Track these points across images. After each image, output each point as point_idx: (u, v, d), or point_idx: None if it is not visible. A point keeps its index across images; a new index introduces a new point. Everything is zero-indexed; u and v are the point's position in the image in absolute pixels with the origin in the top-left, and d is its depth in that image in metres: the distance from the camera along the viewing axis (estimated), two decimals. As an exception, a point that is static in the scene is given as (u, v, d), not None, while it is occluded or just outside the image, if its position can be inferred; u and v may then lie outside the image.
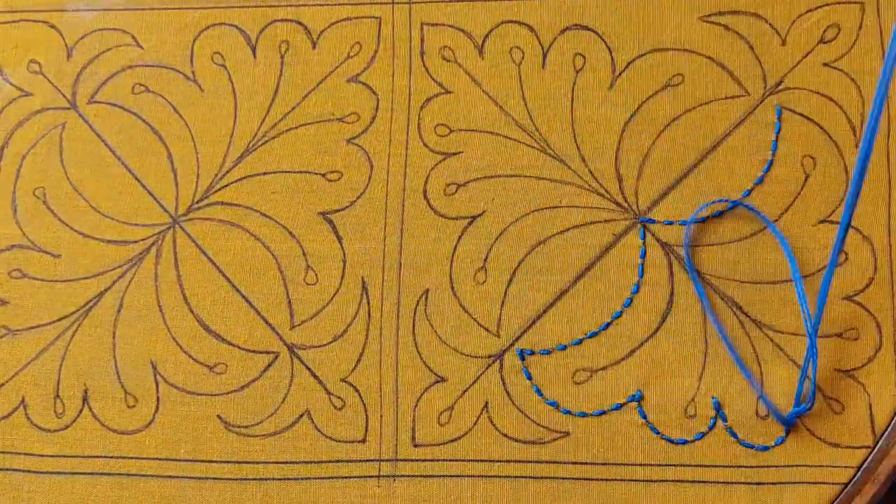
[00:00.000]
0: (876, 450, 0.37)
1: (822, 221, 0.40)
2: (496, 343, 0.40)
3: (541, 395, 0.40)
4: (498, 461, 0.39)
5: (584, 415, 0.39)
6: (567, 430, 0.39)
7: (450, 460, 0.39)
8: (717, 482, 0.38)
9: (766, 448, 0.38)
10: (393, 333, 0.41)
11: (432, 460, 0.39)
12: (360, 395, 0.40)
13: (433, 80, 0.43)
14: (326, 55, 0.44)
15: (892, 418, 0.38)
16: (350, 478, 0.39)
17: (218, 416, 0.40)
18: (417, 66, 0.43)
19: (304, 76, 0.43)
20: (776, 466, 0.38)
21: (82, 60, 0.44)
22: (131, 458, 0.40)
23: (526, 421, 0.39)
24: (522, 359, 0.40)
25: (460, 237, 0.41)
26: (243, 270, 0.42)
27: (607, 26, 0.43)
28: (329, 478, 0.39)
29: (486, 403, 0.40)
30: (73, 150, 0.44)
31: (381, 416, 0.40)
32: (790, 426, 0.38)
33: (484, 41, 0.43)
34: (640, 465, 0.38)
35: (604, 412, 0.39)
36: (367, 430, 0.40)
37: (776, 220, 0.40)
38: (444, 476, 0.39)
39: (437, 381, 0.40)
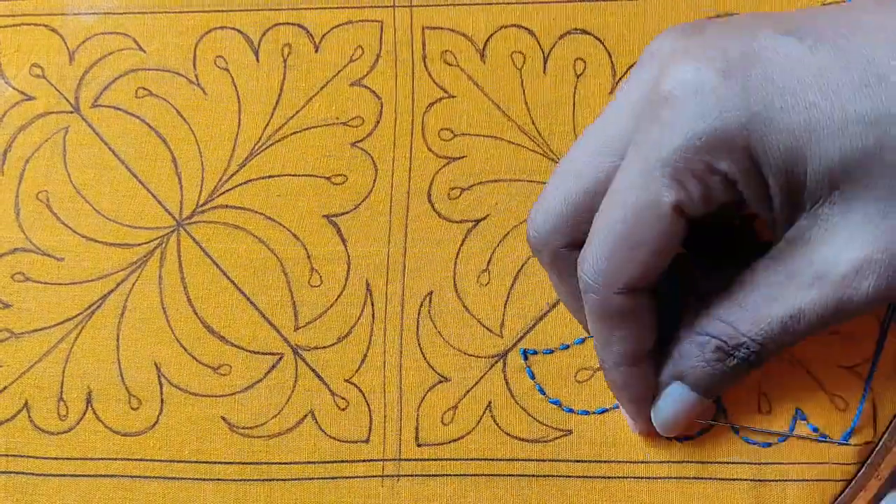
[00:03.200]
0: (879, 446, 0.38)
1: None
2: (499, 343, 0.41)
3: (543, 393, 0.40)
4: (501, 460, 0.39)
5: (586, 413, 0.40)
6: (570, 428, 0.40)
7: (453, 459, 0.40)
8: (720, 479, 0.38)
9: (768, 445, 0.39)
10: (397, 334, 0.41)
11: (436, 459, 0.40)
12: (364, 395, 0.40)
13: (436, 83, 0.43)
14: (329, 59, 0.44)
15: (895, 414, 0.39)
16: (354, 477, 0.40)
17: (222, 417, 0.40)
18: (420, 69, 0.43)
19: (307, 79, 0.44)
20: (779, 463, 0.38)
21: (85, 64, 0.44)
22: (135, 459, 0.40)
23: (529, 420, 0.40)
24: (525, 358, 0.40)
25: (464, 240, 0.42)
26: (248, 273, 0.42)
27: (607, 30, 0.43)
28: (333, 478, 0.40)
29: (490, 403, 0.40)
30: (76, 154, 0.44)
31: (384, 417, 0.40)
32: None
33: (485, 45, 0.44)
34: (643, 462, 0.39)
35: (606, 410, 0.40)
36: (370, 431, 0.40)
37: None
38: (447, 475, 0.40)
39: (441, 381, 0.40)
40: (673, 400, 0.36)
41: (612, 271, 0.33)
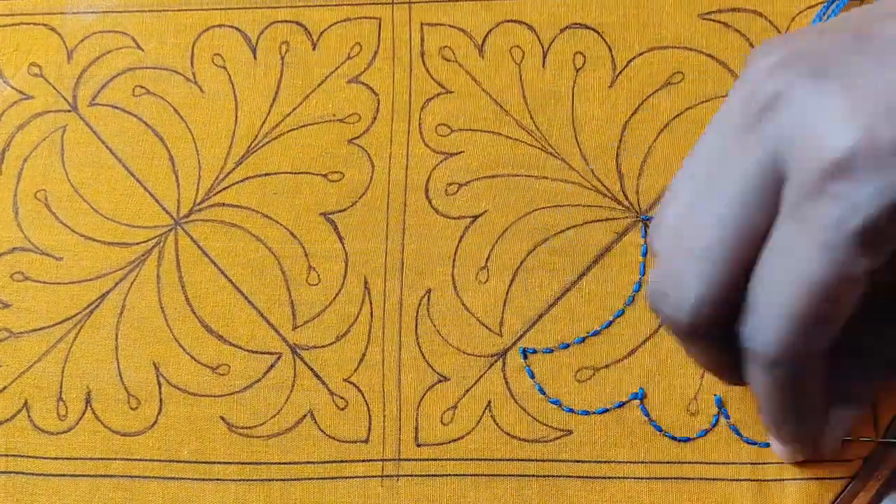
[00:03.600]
0: (879, 446, 0.37)
1: None
2: (499, 342, 0.40)
3: (543, 393, 0.40)
4: (501, 460, 0.39)
5: (586, 413, 0.39)
6: (570, 428, 0.39)
7: (453, 459, 0.39)
8: (721, 479, 0.38)
9: (768, 445, 0.38)
10: (395, 333, 0.41)
11: (435, 459, 0.39)
12: (362, 395, 0.40)
13: (434, 80, 0.43)
14: (326, 56, 0.44)
15: (896, 413, 0.38)
16: (353, 478, 0.39)
17: (221, 417, 0.40)
18: (418, 66, 0.43)
19: (304, 77, 0.44)
20: (779, 463, 0.38)
21: (83, 63, 0.45)
22: (134, 459, 0.40)
23: (529, 419, 0.39)
24: (525, 357, 0.40)
25: (462, 237, 0.41)
26: (245, 271, 0.42)
27: (607, 25, 0.43)
28: (332, 478, 0.40)
29: (489, 402, 0.40)
30: (74, 153, 0.44)
31: (384, 416, 0.40)
32: None
33: (484, 40, 0.43)
34: (643, 462, 0.38)
35: (606, 410, 0.39)
36: (370, 430, 0.40)
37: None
38: (447, 475, 0.39)
39: (440, 381, 0.40)
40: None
41: (803, 343, 0.30)
